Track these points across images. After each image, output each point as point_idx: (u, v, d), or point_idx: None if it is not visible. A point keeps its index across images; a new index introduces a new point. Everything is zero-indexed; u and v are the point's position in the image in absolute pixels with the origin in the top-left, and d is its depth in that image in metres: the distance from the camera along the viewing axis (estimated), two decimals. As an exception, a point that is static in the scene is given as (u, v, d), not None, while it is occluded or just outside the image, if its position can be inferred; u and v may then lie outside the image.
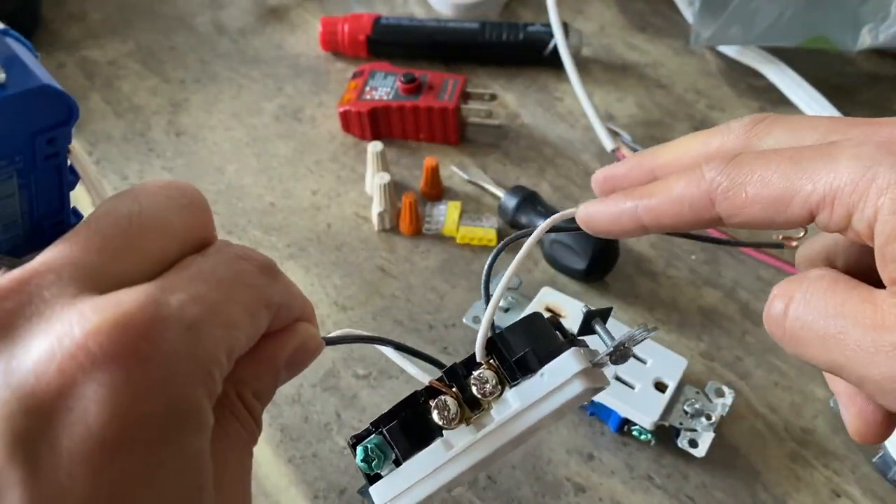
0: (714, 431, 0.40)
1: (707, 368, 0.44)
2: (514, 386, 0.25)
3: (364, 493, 0.26)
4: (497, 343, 0.25)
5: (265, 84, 0.61)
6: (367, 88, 0.56)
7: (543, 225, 0.26)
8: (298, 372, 0.23)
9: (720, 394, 0.42)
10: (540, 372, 0.25)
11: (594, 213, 0.25)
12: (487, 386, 0.25)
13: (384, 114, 0.55)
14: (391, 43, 0.61)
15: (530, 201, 0.49)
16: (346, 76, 0.61)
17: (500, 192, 0.51)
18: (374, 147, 0.51)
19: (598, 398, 0.40)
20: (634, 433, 0.40)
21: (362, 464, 0.25)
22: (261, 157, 0.56)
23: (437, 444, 0.25)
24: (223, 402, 0.20)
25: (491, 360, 0.25)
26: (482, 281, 0.28)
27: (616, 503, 0.40)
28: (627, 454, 0.41)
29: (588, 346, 0.26)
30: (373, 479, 0.25)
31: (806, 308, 0.22)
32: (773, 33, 0.54)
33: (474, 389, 0.25)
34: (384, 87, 0.56)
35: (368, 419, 0.42)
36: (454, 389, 0.25)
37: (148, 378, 0.16)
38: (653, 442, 0.40)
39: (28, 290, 0.17)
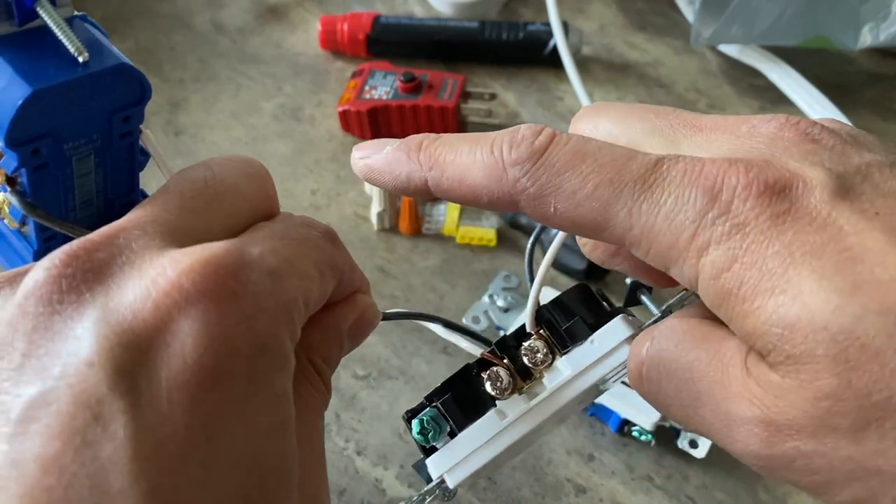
0: (714, 432, 0.40)
1: (707, 368, 0.44)
2: (565, 354, 0.25)
3: (420, 467, 0.26)
4: (546, 313, 0.26)
5: (264, 83, 0.61)
6: (367, 88, 0.56)
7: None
8: (359, 342, 0.24)
9: (721, 394, 0.41)
10: (590, 339, 0.25)
11: (375, 167, 0.23)
12: (539, 355, 0.25)
13: (384, 113, 0.55)
14: (391, 42, 0.61)
15: (530, 201, 0.49)
16: (346, 75, 0.61)
17: (499, 192, 0.51)
18: (374, 147, 0.51)
19: (598, 399, 0.40)
20: (634, 434, 0.40)
21: (418, 436, 0.25)
22: (260, 157, 0.55)
23: (491, 414, 0.25)
24: (296, 367, 0.20)
25: (541, 331, 0.26)
26: (527, 251, 0.28)
27: (615, 503, 0.40)
28: (628, 455, 0.41)
29: (635, 316, 0.26)
30: (428, 451, 0.26)
31: (657, 367, 0.21)
32: (774, 33, 0.54)
33: (525, 359, 0.25)
34: (384, 87, 0.56)
35: (368, 419, 0.42)
36: (505, 361, 0.26)
37: (238, 314, 0.17)
38: (653, 443, 0.40)
39: (117, 243, 0.18)
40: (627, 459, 0.41)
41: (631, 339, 0.25)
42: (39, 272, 0.17)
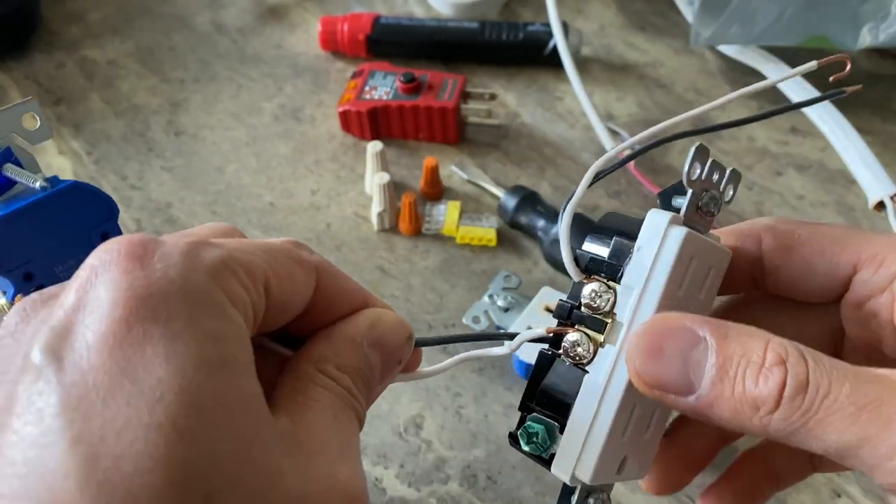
0: (714, 431, 0.40)
1: (707, 368, 0.44)
2: (622, 278, 0.23)
3: (566, 493, 0.24)
4: (585, 254, 0.24)
5: (265, 84, 0.61)
6: (367, 88, 0.56)
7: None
8: (393, 354, 0.24)
9: (720, 394, 0.41)
10: (636, 248, 0.23)
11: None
12: (600, 297, 0.23)
13: (384, 113, 0.55)
14: (391, 42, 0.61)
15: (530, 201, 0.49)
16: (346, 76, 0.61)
17: (499, 192, 0.51)
18: (374, 147, 0.51)
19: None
20: (634, 433, 0.40)
21: (530, 448, 0.23)
22: (260, 157, 0.56)
23: (586, 384, 0.23)
24: (305, 377, 0.22)
25: (589, 275, 0.24)
26: (567, 203, 0.24)
27: (616, 503, 0.40)
28: (627, 454, 0.41)
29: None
30: (549, 461, 0.24)
31: (831, 376, 0.20)
32: (773, 33, 0.54)
33: (590, 310, 0.23)
34: (384, 87, 0.56)
35: (368, 419, 0.42)
36: (573, 325, 0.24)
37: (145, 270, 0.18)
38: (653, 442, 0.40)
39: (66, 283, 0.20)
40: (627, 459, 0.41)
41: (673, 224, 0.23)
42: (6, 317, 0.20)
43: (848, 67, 0.26)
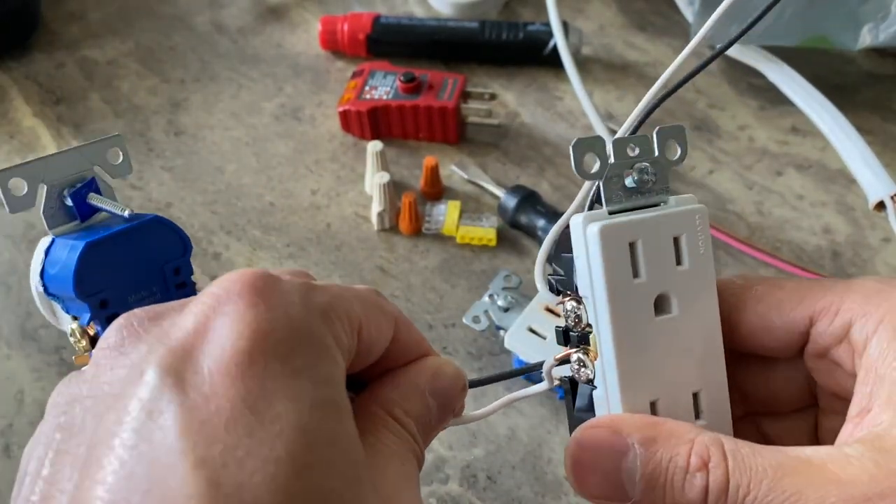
0: (714, 431, 0.40)
1: (707, 368, 0.44)
2: (577, 289, 0.24)
3: None
4: (556, 277, 0.25)
5: (265, 84, 0.61)
6: (367, 88, 0.56)
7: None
8: (450, 403, 0.25)
9: (720, 393, 0.41)
10: (575, 257, 0.24)
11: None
12: (573, 313, 0.24)
13: (384, 113, 0.55)
14: (391, 42, 0.61)
15: (530, 201, 0.49)
16: (346, 75, 0.61)
17: (499, 192, 0.51)
18: (374, 146, 0.51)
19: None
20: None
21: None
22: (260, 157, 0.56)
23: (596, 399, 0.24)
24: (375, 419, 0.23)
25: (561, 295, 0.25)
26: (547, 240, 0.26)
27: None
28: (627, 454, 0.41)
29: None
30: None
31: (751, 473, 0.21)
32: (773, 33, 0.54)
33: (575, 327, 0.24)
34: (384, 87, 0.56)
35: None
36: (574, 346, 0.24)
37: (268, 305, 0.19)
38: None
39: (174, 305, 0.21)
40: (627, 459, 0.41)
41: (585, 221, 0.23)
42: (107, 331, 0.20)
43: None
